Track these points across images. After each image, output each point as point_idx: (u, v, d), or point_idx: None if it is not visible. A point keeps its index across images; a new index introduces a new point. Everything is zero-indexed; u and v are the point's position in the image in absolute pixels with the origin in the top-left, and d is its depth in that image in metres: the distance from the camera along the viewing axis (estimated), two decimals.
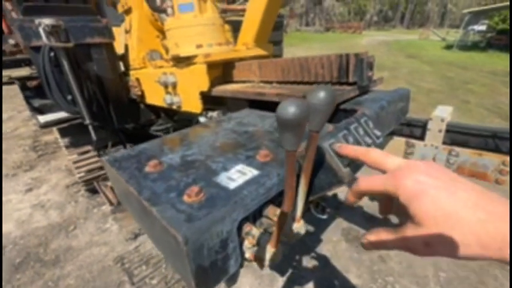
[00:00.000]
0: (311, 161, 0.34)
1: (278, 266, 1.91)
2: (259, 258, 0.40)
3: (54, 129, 2.94)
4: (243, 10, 1.39)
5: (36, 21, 1.38)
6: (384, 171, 0.39)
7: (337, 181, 0.44)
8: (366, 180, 0.39)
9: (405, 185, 0.33)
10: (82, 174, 2.47)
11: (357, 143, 0.50)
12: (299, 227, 0.41)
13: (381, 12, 44.18)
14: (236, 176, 0.46)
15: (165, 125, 2.16)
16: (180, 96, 1.47)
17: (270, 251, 0.38)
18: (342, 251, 2.03)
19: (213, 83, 1.26)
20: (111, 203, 2.01)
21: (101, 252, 2.06)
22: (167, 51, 1.91)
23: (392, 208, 0.44)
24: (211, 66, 1.22)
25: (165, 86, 1.51)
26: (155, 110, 2.11)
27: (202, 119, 1.39)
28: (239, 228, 0.41)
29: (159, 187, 0.44)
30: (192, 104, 1.38)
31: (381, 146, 0.54)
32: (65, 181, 2.96)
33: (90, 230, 2.29)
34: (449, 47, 14.33)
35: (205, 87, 1.23)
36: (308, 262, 1.93)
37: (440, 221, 0.30)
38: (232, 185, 0.43)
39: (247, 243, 0.42)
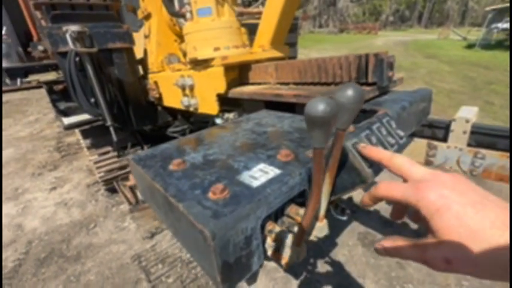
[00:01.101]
0: (336, 159, 0.34)
1: (292, 269, 1.89)
2: (282, 257, 0.40)
3: (77, 131, 3.08)
4: (259, 13, 1.41)
5: (64, 28, 1.46)
6: (406, 179, 0.39)
7: (360, 181, 0.44)
8: (387, 186, 0.38)
9: (428, 198, 0.33)
10: (102, 174, 2.57)
11: (380, 143, 0.49)
12: (322, 226, 0.40)
13: (397, 12, 43.10)
14: (258, 174, 0.46)
15: (182, 127, 2.21)
16: (197, 98, 1.50)
17: (293, 249, 0.38)
18: (358, 255, 1.99)
19: (230, 85, 1.28)
20: (129, 202, 2.07)
21: (120, 250, 2.13)
22: (185, 54, 1.96)
23: (405, 214, 0.43)
24: (228, 68, 1.24)
25: (183, 88, 1.54)
26: (172, 112, 2.16)
27: (218, 121, 1.41)
28: (262, 226, 0.41)
29: (184, 184, 0.46)
30: (208, 105, 1.40)
31: (404, 147, 0.53)
32: (85, 180, 3.08)
33: (109, 228, 2.37)
34: (470, 46, 13.74)
35: (222, 89, 1.25)
36: (323, 266, 1.90)
37: (465, 238, 0.29)
38: (255, 183, 0.43)
39: (269, 241, 0.43)
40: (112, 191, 2.79)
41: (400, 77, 0.99)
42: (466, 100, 5.69)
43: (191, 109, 1.57)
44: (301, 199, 0.48)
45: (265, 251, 0.42)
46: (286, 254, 0.39)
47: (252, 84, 1.33)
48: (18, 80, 2.17)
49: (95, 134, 2.62)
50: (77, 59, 1.59)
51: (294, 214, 0.46)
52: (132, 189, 2.20)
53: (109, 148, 2.62)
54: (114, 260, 2.04)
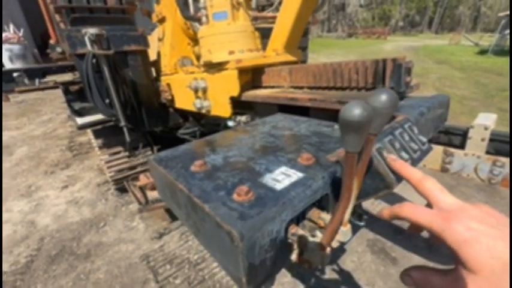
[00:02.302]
0: (365, 164, 0.34)
1: (300, 274, 1.87)
2: (306, 260, 0.40)
3: (89, 130, 3.15)
4: (273, 17, 1.42)
5: (83, 30, 1.50)
6: (431, 205, 0.39)
7: (384, 187, 0.44)
8: (412, 209, 0.38)
9: (455, 229, 0.33)
10: (112, 173, 2.61)
11: (403, 149, 0.49)
12: (346, 231, 0.40)
13: (407, 17, 42.73)
14: (281, 177, 0.46)
15: (192, 129, 2.23)
16: (210, 101, 1.51)
17: (318, 253, 0.38)
18: (367, 262, 1.95)
19: (243, 88, 1.29)
20: (139, 202, 2.09)
21: (128, 249, 2.15)
22: (198, 57, 1.99)
23: (423, 230, 0.43)
24: (242, 71, 1.25)
25: (196, 90, 1.56)
26: (183, 113, 2.19)
27: (230, 123, 1.42)
28: (285, 229, 0.41)
29: (208, 186, 0.46)
30: (221, 108, 1.42)
31: (427, 154, 0.52)
32: (96, 180, 3.14)
33: (118, 227, 2.40)
34: (483, 52, 13.48)
35: (235, 92, 1.26)
36: (331, 272, 1.88)
37: (498, 270, 0.29)
38: (279, 186, 0.44)
39: (292, 245, 0.43)
40: (121, 190, 2.84)
41: (417, 82, 0.98)
42: (478, 107, 5.57)
43: (203, 111, 1.58)
44: (324, 202, 0.48)
45: (288, 254, 0.42)
46: (310, 258, 0.39)
47: (265, 87, 1.34)
48: (37, 80, 2.24)
49: (106, 134, 2.67)
50: (94, 60, 1.63)
51: (316, 218, 0.46)
52: (142, 189, 2.23)
53: (120, 148, 2.66)
54: (123, 259, 2.06)
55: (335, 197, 0.49)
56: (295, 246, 0.42)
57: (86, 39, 1.51)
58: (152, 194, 2.24)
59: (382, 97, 0.29)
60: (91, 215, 2.56)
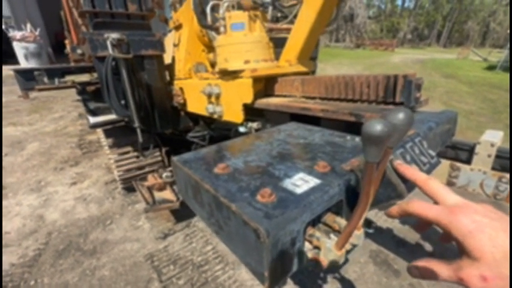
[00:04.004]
0: (381, 173, 0.38)
1: (302, 282, 1.89)
2: (321, 260, 0.44)
3: (99, 130, 3.22)
4: (288, 29, 1.48)
5: (105, 35, 1.58)
6: (438, 203, 0.43)
7: (396, 196, 0.47)
8: (420, 205, 0.42)
9: (461, 221, 0.37)
10: (121, 173, 2.67)
11: (414, 161, 0.52)
12: (359, 234, 0.44)
13: (416, 30, 42.92)
14: (300, 182, 0.50)
15: (202, 132, 2.29)
16: (222, 107, 1.57)
17: (334, 254, 0.42)
18: (369, 273, 1.96)
19: (256, 96, 1.34)
20: (147, 202, 2.14)
21: (133, 248, 2.18)
22: (212, 64, 2.06)
23: (428, 229, 0.47)
24: (256, 80, 1.30)
25: (209, 96, 1.62)
26: (194, 117, 2.25)
27: (242, 129, 1.47)
28: (304, 230, 0.45)
29: (232, 187, 0.50)
30: (234, 114, 1.47)
31: (435, 167, 0.56)
32: (104, 178, 3.20)
33: (124, 226, 2.44)
34: (491, 67, 13.45)
35: (249, 99, 1.31)
36: (333, 282, 1.88)
37: (499, 258, 0.33)
38: (298, 191, 0.48)
39: (308, 245, 0.46)
40: (128, 189, 2.89)
41: (426, 98, 1.01)
42: (485, 123, 5.56)
43: (215, 116, 1.64)
44: (338, 208, 0.51)
45: (305, 254, 0.46)
46: (326, 258, 0.43)
47: (277, 96, 1.38)
48: (56, 80, 2.33)
49: (116, 134, 2.74)
50: (113, 63, 1.71)
51: (331, 222, 0.49)
52: (149, 189, 2.27)
53: (129, 148, 2.72)
54: (127, 257, 2.10)
55: (348, 204, 0.53)
56: (312, 246, 0.45)
57: (108, 43, 1.58)
58: (159, 195, 2.28)
59: (400, 115, 0.33)
60: (98, 213, 2.61)
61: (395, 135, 0.33)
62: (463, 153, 1.09)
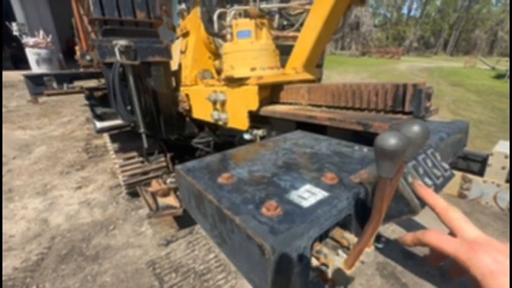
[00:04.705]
0: (394, 188, 0.36)
1: None
2: (329, 279, 0.41)
3: (105, 135, 3.25)
4: (294, 37, 1.48)
5: (114, 41, 1.60)
6: (455, 234, 0.40)
7: (408, 211, 0.45)
8: (437, 236, 0.40)
9: (482, 260, 0.34)
10: (126, 178, 2.67)
11: (427, 175, 0.50)
12: (370, 252, 0.41)
13: (422, 38, 42.85)
14: (306, 195, 0.48)
15: (206, 139, 2.28)
16: (228, 113, 1.56)
17: (343, 272, 0.39)
18: (376, 286, 1.90)
19: (262, 103, 1.33)
20: (150, 208, 2.13)
21: (135, 254, 2.17)
22: (218, 71, 2.07)
23: (442, 262, 0.44)
24: (261, 87, 1.30)
25: (214, 103, 1.62)
26: (199, 123, 2.25)
27: (247, 136, 1.46)
28: (311, 246, 0.43)
29: (236, 198, 0.49)
30: (239, 121, 1.46)
31: (449, 180, 0.53)
32: (109, 183, 3.21)
33: (127, 232, 2.43)
34: (500, 76, 13.26)
35: (254, 106, 1.30)
36: None
37: None
38: (305, 204, 0.46)
39: (316, 262, 0.44)
40: (132, 195, 2.89)
41: (436, 107, 0.99)
42: (495, 132, 5.45)
43: (220, 123, 1.63)
44: (346, 222, 0.49)
45: (312, 271, 0.43)
46: (334, 277, 0.40)
47: (283, 103, 1.37)
48: (65, 85, 2.37)
49: (122, 139, 2.75)
50: (121, 69, 1.73)
51: (340, 237, 0.47)
52: (153, 195, 2.27)
53: (134, 153, 2.73)
54: (129, 263, 2.08)
55: (357, 218, 0.50)
56: (320, 263, 0.43)
57: (116, 49, 1.60)
58: (163, 201, 2.27)
59: (415, 128, 0.31)
60: (102, 217, 2.61)
61: (410, 149, 0.31)
62: (475, 164, 1.05)
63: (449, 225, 0.40)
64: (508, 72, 12.90)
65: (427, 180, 0.49)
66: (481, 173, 1.03)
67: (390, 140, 0.28)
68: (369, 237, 0.35)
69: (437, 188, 0.51)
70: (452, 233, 0.41)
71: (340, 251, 0.47)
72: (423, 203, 0.46)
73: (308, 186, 0.52)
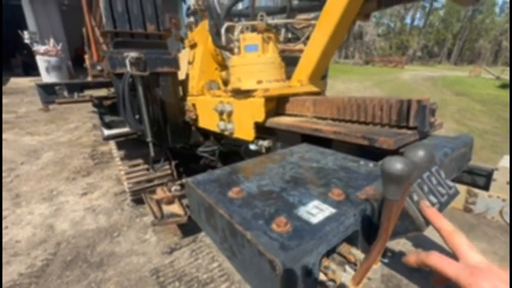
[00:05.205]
0: (400, 208, 0.37)
1: None
2: None
3: (111, 141, 3.30)
4: (300, 50, 1.51)
5: (125, 53, 1.66)
6: (458, 259, 0.41)
7: (414, 229, 0.46)
8: (440, 259, 0.41)
9: (481, 286, 0.35)
10: (131, 185, 2.70)
11: (431, 192, 0.51)
12: (377, 268, 0.43)
13: (426, 47, 43.02)
14: (315, 211, 0.50)
15: (212, 148, 2.31)
16: (234, 124, 1.59)
17: None
18: None
19: (268, 115, 1.36)
20: (155, 216, 2.14)
21: (139, 262, 2.17)
22: (224, 82, 2.11)
23: (447, 284, 0.45)
24: (268, 99, 1.33)
25: (221, 113, 1.65)
26: (204, 133, 2.28)
27: (252, 147, 1.48)
28: (319, 262, 0.44)
29: (247, 213, 0.51)
30: (245, 132, 1.48)
31: (453, 198, 0.55)
32: (114, 189, 3.24)
33: (131, 239, 2.44)
34: (505, 86, 13.20)
35: (260, 118, 1.33)
36: None
37: None
38: (313, 220, 0.47)
39: (324, 277, 0.45)
40: (137, 201, 2.91)
41: (440, 122, 1.01)
42: (500, 142, 5.40)
43: (226, 133, 1.66)
44: (352, 238, 0.50)
45: (319, 287, 0.45)
46: None
47: (289, 115, 1.40)
48: (76, 94, 2.44)
49: (128, 146, 2.79)
50: (130, 80, 1.78)
51: (347, 253, 0.48)
52: (158, 202, 2.28)
53: (139, 161, 2.77)
54: (133, 271, 2.08)
55: (364, 234, 0.52)
56: (327, 279, 0.45)
57: (127, 61, 1.66)
58: (168, 208, 2.29)
59: (420, 153, 0.33)
60: (106, 224, 2.63)
61: (416, 172, 0.33)
62: (480, 178, 1.05)
63: (453, 249, 0.42)
64: None
65: (432, 198, 0.51)
66: (486, 187, 1.04)
67: (396, 165, 0.30)
68: (376, 255, 0.37)
69: (442, 206, 0.53)
70: (455, 257, 0.42)
71: (347, 267, 0.48)
72: (428, 221, 0.47)
73: (316, 202, 0.53)
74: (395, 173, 0.30)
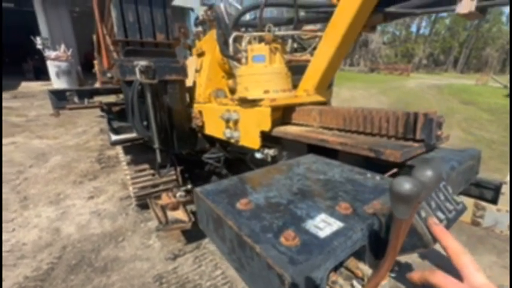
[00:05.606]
0: (408, 225, 0.38)
1: None
2: None
3: (118, 146, 3.34)
4: (306, 61, 1.54)
5: (135, 62, 1.70)
6: (462, 278, 0.41)
7: (421, 245, 0.46)
8: (444, 279, 0.41)
9: None
10: (136, 190, 2.72)
11: (439, 208, 0.52)
12: (385, 284, 0.43)
13: (431, 55, 42.89)
14: (322, 225, 0.51)
15: (217, 154, 2.33)
16: (240, 132, 1.61)
17: None
18: None
19: (274, 124, 1.37)
20: (160, 221, 2.15)
21: (143, 268, 2.18)
22: (231, 90, 2.14)
23: None
24: (274, 109, 1.34)
25: (227, 121, 1.67)
26: (211, 139, 2.31)
27: (258, 155, 1.49)
28: (327, 276, 0.45)
29: (255, 226, 0.51)
30: (251, 140, 1.50)
31: (461, 214, 0.55)
32: (119, 194, 3.27)
33: (135, 244, 2.45)
34: None
35: (267, 127, 1.35)
36: None
37: None
38: (321, 234, 0.48)
39: None
40: (141, 206, 2.93)
41: (447, 134, 1.01)
42: (508, 152, 5.31)
43: (232, 141, 1.68)
44: (358, 252, 0.51)
45: None
46: None
47: (295, 124, 1.41)
48: (86, 100, 2.50)
49: (134, 151, 2.83)
50: (139, 87, 1.82)
51: (354, 268, 0.49)
52: (163, 208, 2.30)
53: (145, 166, 2.80)
54: (137, 276, 2.09)
55: (371, 249, 0.52)
56: None
57: (137, 69, 1.70)
58: (172, 214, 2.30)
59: (429, 173, 0.34)
60: (111, 228, 2.65)
61: (424, 192, 0.34)
62: (488, 192, 1.05)
63: (459, 269, 0.41)
64: None
65: (439, 214, 0.51)
66: (494, 201, 1.03)
67: (405, 185, 0.31)
68: (385, 272, 0.37)
69: (450, 222, 0.53)
70: (459, 276, 0.42)
71: (355, 282, 0.48)
72: (435, 239, 0.47)
73: (323, 216, 0.54)
74: (405, 193, 0.31)
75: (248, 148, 1.58)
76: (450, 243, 0.44)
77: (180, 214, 2.31)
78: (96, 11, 2.39)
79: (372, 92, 13.25)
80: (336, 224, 0.51)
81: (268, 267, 0.42)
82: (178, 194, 2.45)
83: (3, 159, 4.03)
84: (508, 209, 0.99)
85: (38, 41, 9.34)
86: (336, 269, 0.49)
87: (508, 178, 0.99)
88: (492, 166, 4.56)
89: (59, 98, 2.40)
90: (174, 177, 2.77)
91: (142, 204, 2.83)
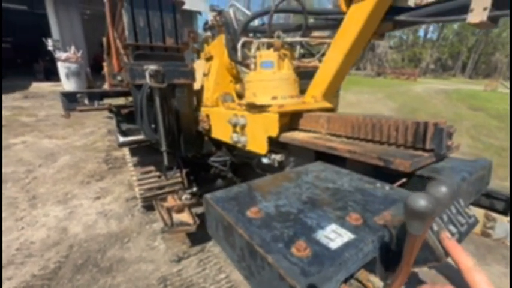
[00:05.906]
0: (421, 240, 0.38)
1: None
2: None
3: (125, 147, 3.38)
4: (314, 67, 1.54)
5: (145, 66, 1.73)
6: None
7: (434, 259, 0.46)
8: None
9: None
10: (142, 191, 2.75)
11: (451, 222, 0.51)
12: None
13: (439, 60, 42.44)
14: (333, 236, 0.51)
15: (223, 158, 2.34)
16: (247, 137, 1.62)
17: None
18: None
19: (281, 130, 1.38)
20: (165, 224, 2.17)
21: (148, 269, 2.19)
22: (238, 94, 2.16)
23: None
24: (282, 115, 1.35)
25: (234, 125, 1.68)
26: (216, 143, 2.32)
27: (265, 160, 1.50)
28: None
29: (266, 235, 0.52)
30: (258, 145, 1.51)
31: (473, 227, 0.54)
32: (125, 195, 3.31)
33: (141, 245, 2.47)
34: None
35: (274, 133, 1.35)
36: None
37: None
38: (332, 245, 0.48)
39: None
40: (147, 208, 2.95)
41: (457, 144, 1.00)
42: None
43: (239, 145, 1.69)
44: (368, 264, 0.51)
45: None
46: None
47: (302, 130, 1.41)
48: (96, 102, 2.55)
49: (141, 152, 2.86)
50: (148, 91, 1.84)
51: (365, 280, 0.49)
52: (169, 210, 2.31)
53: (151, 167, 2.82)
54: (141, 278, 2.10)
55: (382, 261, 0.52)
56: None
57: (146, 73, 1.73)
58: (177, 217, 2.31)
59: (443, 189, 0.34)
60: (117, 229, 2.67)
61: (439, 209, 0.34)
62: (499, 203, 1.03)
63: (471, 285, 0.41)
64: None
65: (451, 227, 0.51)
66: (505, 212, 1.01)
67: (421, 202, 0.31)
68: (398, 287, 0.37)
69: (462, 236, 0.52)
70: None
71: None
72: (448, 253, 0.47)
73: (334, 226, 0.54)
74: (420, 209, 0.31)
75: (255, 153, 1.59)
76: (463, 258, 0.43)
77: (185, 217, 2.32)
78: (108, 15, 2.45)
79: (378, 97, 13.15)
80: (347, 235, 0.51)
81: (280, 278, 0.43)
82: (183, 197, 2.47)
83: (14, 158, 4.11)
84: None
85: (49, 43, 9.55)
86: (346, 280, 0.50)
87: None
88: (501, 174, 4.48)
89: (70, 99, 2.45)
90: (180, 179, 2.79)
91: (148, 205, 2.86)
